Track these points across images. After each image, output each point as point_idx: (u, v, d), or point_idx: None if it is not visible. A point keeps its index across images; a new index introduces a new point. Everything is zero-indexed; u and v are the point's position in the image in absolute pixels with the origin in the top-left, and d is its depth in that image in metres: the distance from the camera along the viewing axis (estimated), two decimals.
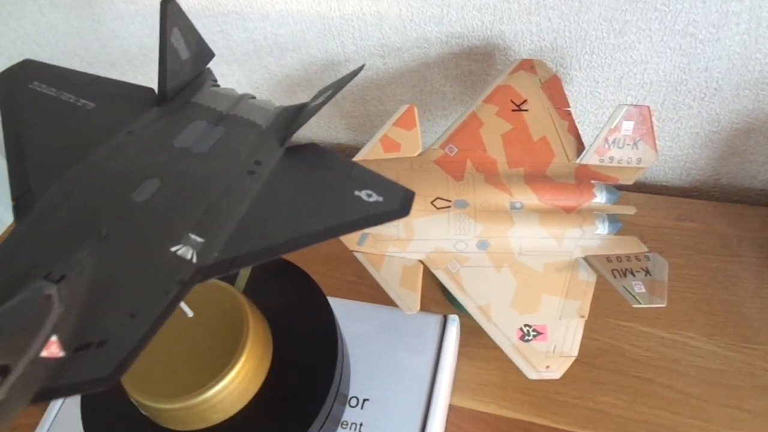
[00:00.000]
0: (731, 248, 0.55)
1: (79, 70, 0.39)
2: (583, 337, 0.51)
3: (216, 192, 0.30)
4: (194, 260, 0.27)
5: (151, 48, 0.68)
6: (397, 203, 0.29)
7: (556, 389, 0.49)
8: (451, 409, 0.49)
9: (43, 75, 0.39)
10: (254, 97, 0.40)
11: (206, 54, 0.41)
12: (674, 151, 0.58)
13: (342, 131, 0.70)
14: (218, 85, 0.41)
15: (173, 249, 0.27)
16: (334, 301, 0.42)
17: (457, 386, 0.50)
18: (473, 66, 0.57)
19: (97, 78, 0.39)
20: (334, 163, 0.33)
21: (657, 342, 0.50)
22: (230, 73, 0.67)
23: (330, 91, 0.36)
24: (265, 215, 0.30)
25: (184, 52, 0.38)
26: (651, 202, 0.59)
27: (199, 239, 0.27)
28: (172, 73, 0.37)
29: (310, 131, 0.71)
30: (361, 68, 0.38)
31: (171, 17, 0.37)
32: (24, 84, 0.38)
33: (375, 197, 0.30)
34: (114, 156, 0.32)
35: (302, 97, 0.67)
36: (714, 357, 0.49)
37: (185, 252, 0.27)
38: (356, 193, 0.30)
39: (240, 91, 0.40)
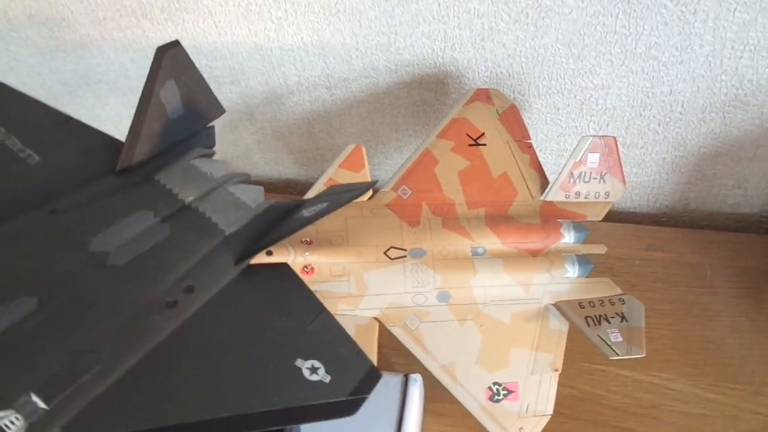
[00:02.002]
0: (704, 279, 0.52)
1: (54, 109, 0.34)
2: (558, 384, 0.48)
3: (102, 331, 0.23)
4: None
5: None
6: (346, 391, 0.24)
7: None
8: None
9: (8, 104, 0.34)
10: (244, 179, 0.34)
11: (211, 111, 0.35)
12: (641, 177, 0.56)
13: (291, 166, 0.65)
14: (211, 154, 0.35)
15: None
16: None
17: None
18: (426, 95, 0.53)
19: (69, 120, 0.34)
20: (295, 307, 0.27)
21: (635, 386, 0.47)
22: None
23: (325, 205, 0.30)
24: (162, 379, 0.23)
25: (176, 110, 0.33)
26: (620, 232, 0.56)
27: (40, 405, 0.20)
28: (148, 136, 0.32)
29: (257, 168, 0.66)
30: (372, 184, 0.33)
31: (168, 67, 0.32)
32: None
33: (321, 374, 0.24)
34: (13, 242, 0.27)
35: (244, 133, 0.62)
36: (696, 401, 0.46)
37: (7, 421, 0.20)
38: (298, 363, 0.24)
39: None
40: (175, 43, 0.32)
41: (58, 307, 0.24)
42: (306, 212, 0.30)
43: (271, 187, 0.67)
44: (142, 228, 0.29)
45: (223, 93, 0.58)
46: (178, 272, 0.27)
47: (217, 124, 0.62)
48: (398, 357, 0.50)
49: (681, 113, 0.49)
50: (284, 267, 0.29)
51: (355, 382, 0.24)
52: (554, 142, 0.54)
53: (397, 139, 0.58)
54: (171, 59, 0.32)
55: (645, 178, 0.56)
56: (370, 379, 0.24)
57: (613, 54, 0.46)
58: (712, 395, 0.46)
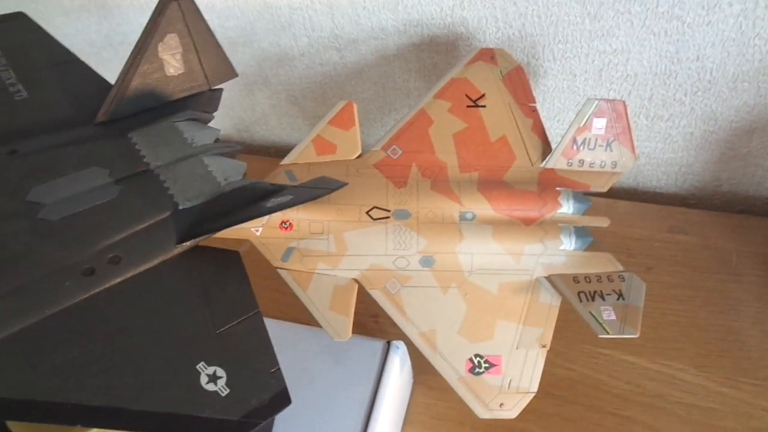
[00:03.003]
0: (730, 265, 0.48)
1: (64, 48, 0.33)
2: (556, 365, 0.45)
3: (4, 284, 0.22)
4: None
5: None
6: (240, 411, 0.21)
7: (521, 426, 0.43)
8: None
9: (21, 37, 0.33)
10: (229, 152, 0.31)
11: (219, 73, 0.33)
12: (667, 154, 0.52)
13: (306, 132, 0.64)
14: (205, 118, 0.32)
15: None
16: None
17: (410, 419, 0.45)
18: (436, 58, 0.51)
19: (74, 60, 0.33)
20: (226, 302, 0.25)
21: (640, 374, 0.44)
22: None
23: (289, 198, 0.29)
24: (45, 348, 0.21)
25: (176, 67, 0.31)
26: (641, 211, 0.52)
27: None
28: (137, 91, 0.30)
29: (274, 133, 0.66)
30: (340, 186, 0.31)
31: (171, 20, 0.30)
32: None
33: (220, 385, 0.22)
34: None
35: (260, 97, 0.62)
36: (705, 393, 0.42)
37: None
38: (199, 366, 0.22)
39: None
40: None
41: None
42: (270, 203, 0.28)
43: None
44: (89, 186, 0.27)
45: (237, 55, 0.58)
46: (108, 240, 0.25)
47: (234, 88, 0.62)
48: (395, 326, 0.48)
49: (710, 82, 0.45)
50: (233, 255, 0.27)
51: (256, 403, 0.22)
52: (572, 112, 0.51)
53: (409, 105, 0.56)
54: (175, 11, 0.30)
55: (671, 154, 0.51)
56: (276, 403, 0.22)
57: (633, 13, 0.42)
58: (724, 389, 0.42)
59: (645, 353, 0.45)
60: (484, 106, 0.41)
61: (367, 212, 0.38)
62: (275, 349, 0.40)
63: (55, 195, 0.26)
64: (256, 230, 0.37)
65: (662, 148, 0.51)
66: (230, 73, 0.34)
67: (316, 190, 0.29)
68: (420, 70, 0.52)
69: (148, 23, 0.30)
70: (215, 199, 0.29)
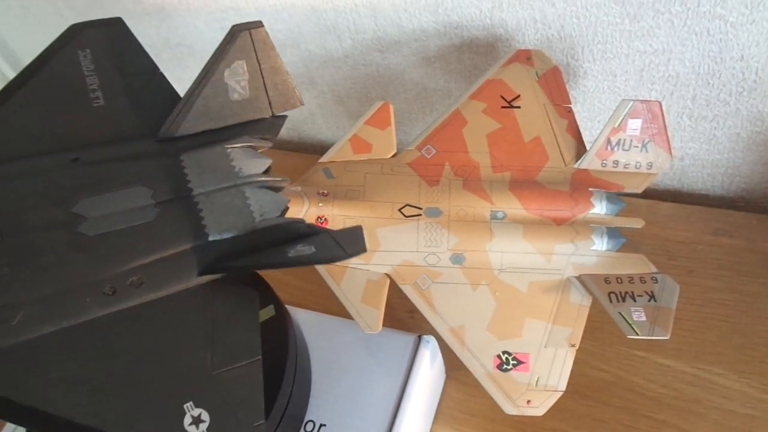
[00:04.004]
0: None
1: (150, 58, 0.34)
2: (589, 366, 0.45)
3: (33, 291, 0.23)
4: None
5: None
6: None
7: (551, 425, 0.43)
8: None
9: (112, 43, 0.34)
10: (274, 185, 0.31)
11: (284, 101, 0.33)
12: (712, 155, 0.51)
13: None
14: (259, 146, 0.32)
15: None
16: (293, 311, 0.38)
17: (440, 413, 0.45)
18: (476, 60, 0.51)
19: (156, 73, 0.34)
20: (230, 344, 0.24)
21: (676, 377, 0.43)
22: None
23: (312, 252, 0.27)
24: (48, 358, 0.22)
25: (240, 93, 0.31)
26: (684, 213, 0.51)
27: None
28: (199, 112, 0.30)
29: (321, 132, 0.68)
30: (361, 251, 0.28)
31: (240, 48, 0.31)
32: (80, 46, 0.33)
33: (201, 429, 0.22)
34: (20, 178, 0.27)
35: (307, 97, 0.64)
36: (744, 399, 0.41)
37: None
38: (186, 406, 0.22)
39: None
40: (257, 24, 0.31)
41: (9, 251, 0.24)
42: (292, 252, 0.27)
43: None
44: (131, 205, 0.27)
45: (285, 57, 0.60)
46: (135, 262, 0.26)
47: None
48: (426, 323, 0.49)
49: (755, 82, 0.44)
50: (250, 295, 0.27)
51: None
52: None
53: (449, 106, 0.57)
54: (245, 40, 0.30)
55: (717, 156, 0.50)
56: None
57: (673, 13, 0.42)
58: (764, 395, 0.41)
59: (682, 357, 0.44)
60: (518, 107, 0.42)
61: (400, 209, 0.39)
62: (311, 338, 0.42)
63: (98, 210, 0.27)
64: None
65: (707, 150, 0.50)
66: (296, 102, 0.33)
67: (341, 252, 0.27)
68: (460, 72, 0.53)
69: (217, 49, 0.31)
70: (246, 234, 0.28)
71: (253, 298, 0.27)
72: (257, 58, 0.31)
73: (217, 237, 0.27)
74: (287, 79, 0.33)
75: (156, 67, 0.34)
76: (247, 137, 0.32)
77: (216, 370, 0.24)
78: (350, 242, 0.27)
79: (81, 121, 0.31)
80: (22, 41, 0.79)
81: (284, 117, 0.33)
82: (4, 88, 0.32)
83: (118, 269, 0.25)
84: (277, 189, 0.31)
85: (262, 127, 0.33)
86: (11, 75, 0.82)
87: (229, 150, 0.31)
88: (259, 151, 0.33)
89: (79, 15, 0.68)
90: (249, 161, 0.31)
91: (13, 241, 0.25)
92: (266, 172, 0.32)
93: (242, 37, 0.30)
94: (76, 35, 0.34)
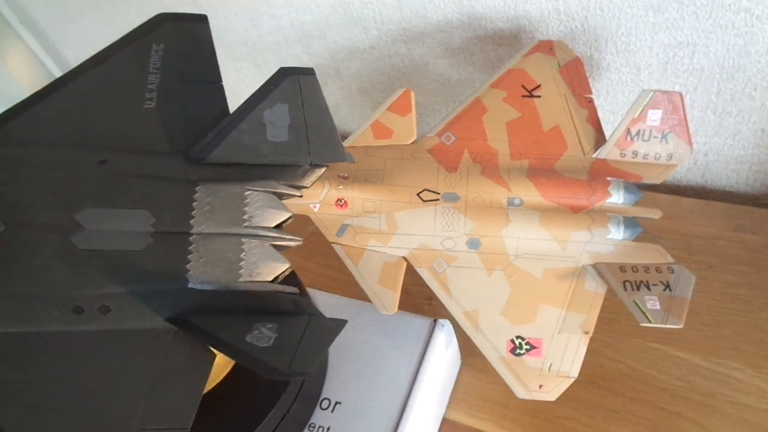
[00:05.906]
0: None
1: (217, 66, 0.33)
2: (604, 357, 0.45)
3: (4, 291, 0.23)
4: None
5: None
6: None
7: (564, 413, 0.43)
8: (445, 422, 0.45)
9: (187, 42, 0.33)
10: (281, 244, 0.29)
11: (325, 152, 0.30)
12: (736, 151, 0.50)
13: None
14: (283, 194, 0.30)
15: None
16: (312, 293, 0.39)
17: (455, 398, 0.46)
18: (500, 51, 0.52)
19: (215, 85, 0.32)
20: (163, 399, 0.23)
21: (691, 370, 0.43)
22: (264, 63, 0.66)
23: (270, 344, 0.25)
24: (2, 358, 0.22)
25: (278, 135, 0.30)
26: (706, 209, 0.51)
27: None
28: (233, 144, 0.29)
29: (345, 123, 0.69)
30: (338, 326, 0.28)
31: (285, 92, 0.29)
32: (157, 39, 0.33)
33: None
34: (43, 167, 0.27)
35: (332, 88, 0.65)
36: (760, 394, 0.41)
37: None
38: None
39: None
40: (308, 71, 0.30)
41: (4, 243, 0.24)
42: (255, 333, 0.25)
43: None
44: (129, 228, 0.27)
45: (313, 48, 0.61)
46: (109, 288, 0.25)
47: None
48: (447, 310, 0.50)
49: None
50: (206, 357, 0.25)
51: None
52: None
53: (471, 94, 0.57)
54: (292, 85, 0.29)
55: (741, 152, 0.50)
56: None
57: (698, 5, 0.42)
58: None
59: (698, 350, 0.44)
60: (539, 96, 0.42)
61: (418, 194, 0.40)
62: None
63: (97, 224, 0.26)
64: (314, 206, 0.40)
65: (731, 145, 0.50)
66: (338, 155, 0.31)
67: (284, 365, 0.24)
68: (484, 63, 0.54)
69: (261, 87, 0.29)
70: (224, 293, 0.27)
71: (208, 361, 0.26)
72: (303, 106, 0.30)
73: (197, 287, 0.26)
74: (333, 131, 0.31)
75: (219, 78, 0.32)
76: (275, 182, 0.30)
77: (143, 426, 0.23)
78: (307, 354, 0.25)
79: (126, 121, 0.31)
80: (60, 32, 0.81)
81: (323, 167, 0.31)
82: (74, 69, 0.32)
83: (92, 291, 0.25)
84: (282, 249, 0.29)
85: (296, 174, 0.30)
86: (50, 65, 0.85)
87: (248, 192, 0.29)
88: (283, 200, 0.31)
89: (116, 6, 0.71)
90: (264, 210, 0.29)
91: (11, 236, 0.25)
92: (280, 225, 0.30)
93: (289, 81, 0.29)
94: (157, 26, 0.33)
